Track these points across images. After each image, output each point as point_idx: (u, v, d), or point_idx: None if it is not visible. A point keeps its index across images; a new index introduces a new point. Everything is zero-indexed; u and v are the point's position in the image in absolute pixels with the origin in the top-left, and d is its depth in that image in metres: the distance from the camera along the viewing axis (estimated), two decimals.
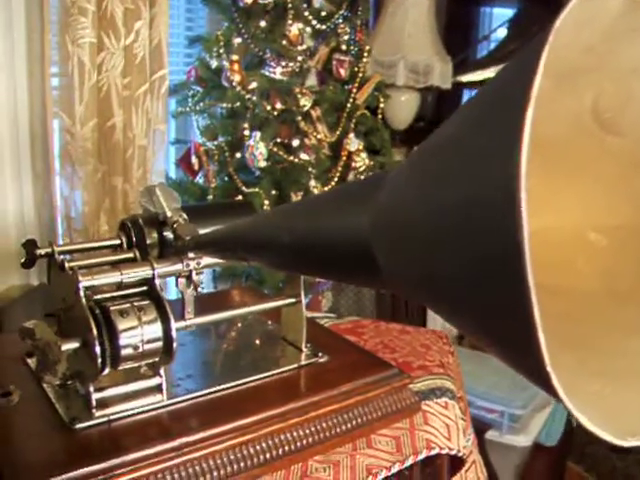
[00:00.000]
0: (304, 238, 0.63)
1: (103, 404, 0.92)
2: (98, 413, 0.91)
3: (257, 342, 1.18)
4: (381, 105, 2.41)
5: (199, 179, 2.23)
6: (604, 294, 0.58)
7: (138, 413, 0.93)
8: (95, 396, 0.91)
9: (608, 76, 0.51)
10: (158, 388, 0.96)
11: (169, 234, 1.01)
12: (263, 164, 2.07)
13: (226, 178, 2.20)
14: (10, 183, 1.80)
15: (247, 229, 0.78)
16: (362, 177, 2.21)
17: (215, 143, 2.19)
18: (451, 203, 0.40)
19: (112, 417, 0.91)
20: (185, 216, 0.99)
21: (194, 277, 0.96)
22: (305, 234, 0.63)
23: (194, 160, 2.16)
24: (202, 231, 0.97)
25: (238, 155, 2.15)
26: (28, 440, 0.88)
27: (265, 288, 2.09)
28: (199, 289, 0.97)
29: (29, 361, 1.05)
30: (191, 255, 0.95)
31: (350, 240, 0.55)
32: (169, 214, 0.99)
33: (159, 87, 2.02)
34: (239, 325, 1.25)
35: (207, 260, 0.96)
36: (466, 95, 4.18)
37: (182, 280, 0.97)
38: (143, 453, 0.86)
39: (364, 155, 2.24)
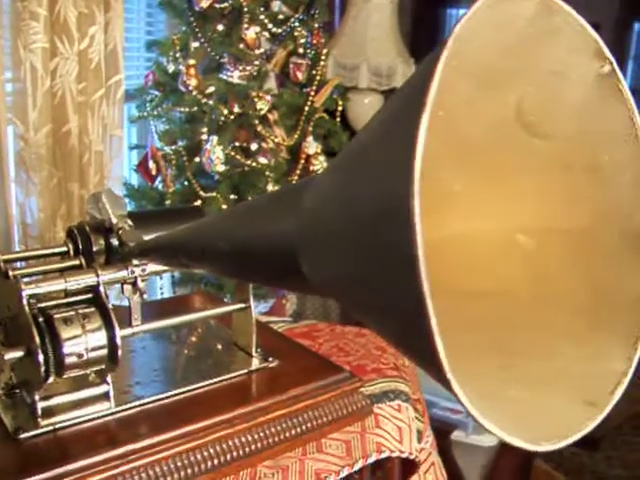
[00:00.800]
0: (239, 245, 0.62)
1: (49, 413, 0.91)
2: (44, 422, 0.90)
3: (209, 348, 1.18)
4: (340, 108, 2.41)
5: (158, 184, 2.22)
6: (533, 298, 0.58)
7: (85, 421, 0.92)
8: (41, 405, 0.90)
9: (529, 78, 0.52)
10: (106, 395, 0.95)
11: (115, 241, 1.00)
12: (220, 168, 2.07)
13: (185, 183, 2.19)
14: None
15: (187, 236, 0.78)
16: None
17: (173, 148, 2.18)
18: (359, 211, 0.40)
19: (58, 426, 0.90)
20: (130, 222, 0.99)
21: (139, 284, 0.95)
22: (240, 241, 0.62)
23: (151, 165, 2.15)
24: (148, 238, 0.96)
25: (197, 159, 2.14)
26: None
27: (225, 293, 2.08)
28: (145, 296, 0.96)
29: None
30: (136, 262, 0.94)
31: (278, 246, 0.55)
32: (114, 220, 0.99)
33: (115, 92, 2.01)
34: (195, 331, 1.25)
35: (153, 267, 0.96)
36: None
37: (128, 287, 0.96)
38: (89, 461, 0.85)
39: (322, 158, 2.24)
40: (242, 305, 1.08)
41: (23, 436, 0.88)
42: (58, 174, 1.85)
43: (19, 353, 0.86)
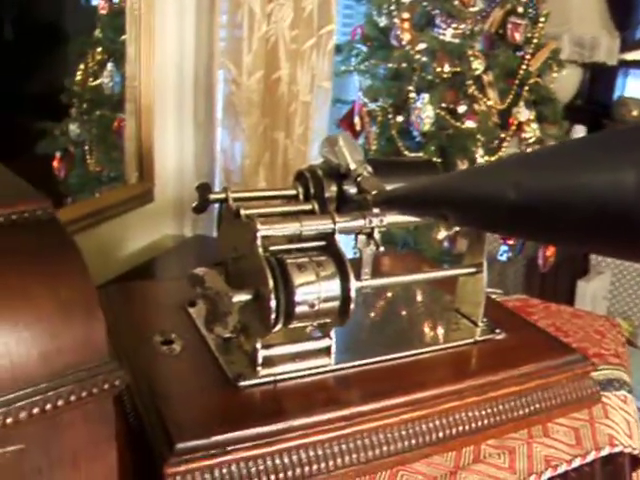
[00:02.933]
0: (536, 195, 0.54)
1: (269, 362, 0.86)
2: (264, 372, 0.85)
3: (429, 312, 1.10)
4: (554, 75, 2.28)
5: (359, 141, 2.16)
6: None
7: (304, 376, 0.87)
8: (262, 353, 0.85)
9: None
10: (326, 351, 0.90)
11: (349, 188, 0.93)
12: (428, 128, 1.98)
13: (385, 141, 2.11)
14: (172, 132, 1.77)
15: (456, 183, 0.70)
16: (530, 149, 2.09)
17: (377, 104, 2.11)
18: None
19: (278, 377, 0.86)
20: (370, 169, 0.92)
21: (376, 235, 0.89)
22: (538, 190, 0.54)
23: (357, 121, 2.08)
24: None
25: (399, 118, 2.06)
26: (192, 394, 0.83)
27: None
28: (382, 249, 0.90)
29: (191, 310, 1.01)
30: (375, 211, 0.88)
31: (606, 198, 0.46)
32: (353, 166, 0.92)
33: (326, 43, 1.95)
34: (411, 292, 1.17)
35: (390, 218, 0.89)
36: (621, 74, 3.99)
37: (362, 237, 0.90)
38: (311, 419, 0.80)
39: (535, 126, 2.11)
40: (474, 269, 1.00)
41: (243, 384, 0.84)
42: (265, 121, 1.82)
43: (247, 296, 0.81)
